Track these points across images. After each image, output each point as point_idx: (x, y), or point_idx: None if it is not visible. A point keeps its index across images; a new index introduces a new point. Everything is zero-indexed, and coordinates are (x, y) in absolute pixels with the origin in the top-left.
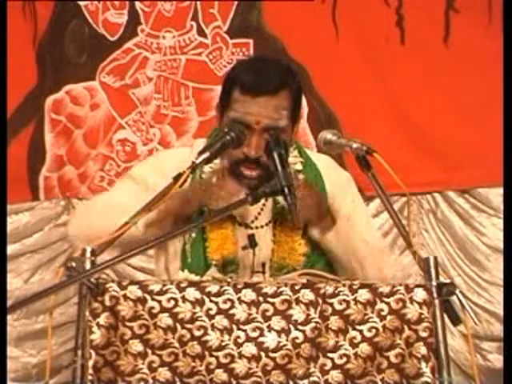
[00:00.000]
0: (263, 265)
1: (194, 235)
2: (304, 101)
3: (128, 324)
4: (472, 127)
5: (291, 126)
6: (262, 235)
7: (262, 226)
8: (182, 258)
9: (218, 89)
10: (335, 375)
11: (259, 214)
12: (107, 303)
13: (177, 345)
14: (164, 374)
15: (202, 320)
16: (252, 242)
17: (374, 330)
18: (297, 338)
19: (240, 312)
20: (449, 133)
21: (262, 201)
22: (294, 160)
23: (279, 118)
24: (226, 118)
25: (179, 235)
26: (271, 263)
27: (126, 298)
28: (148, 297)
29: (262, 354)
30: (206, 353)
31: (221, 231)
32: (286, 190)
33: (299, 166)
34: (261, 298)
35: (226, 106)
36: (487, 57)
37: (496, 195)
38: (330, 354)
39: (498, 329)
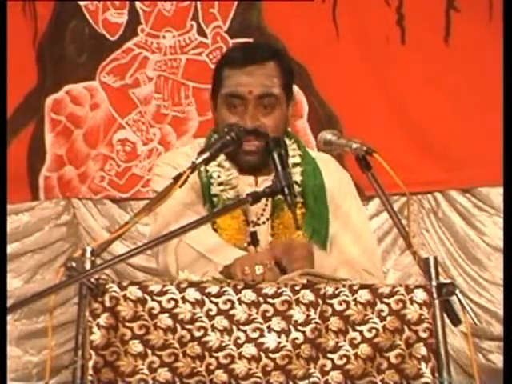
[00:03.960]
0: None
1: None
2: (304, 100)
3: (128, 324)
4: (473, 126)
5: (285, 99)
6: (263, 231)
7: (263, 223)
8: None
9: None
10: (335, 376)
11: (264, 210)
12: (107, 304)
13: (177, 345)
14: (164, 374)
15: (202, 321)
16: (254, 240)
17: (374, 331)
18: (297, 338)
19: (240, 313)
20: (449, 132)
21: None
22: (293, 153)
23: (271, 85)
24: (219, 98)
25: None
26: None
27: (126, 298)
28: (148, 297)
29: (262, 354)
30: (206, 353)
31: (230, 230)
32: (286, 190)
33: (297, 159)
34: (261, 299)
35: (219, 87)
36: (488, 56)
37: (497, 194)
38: (330, 355)
39: (498, 328)
